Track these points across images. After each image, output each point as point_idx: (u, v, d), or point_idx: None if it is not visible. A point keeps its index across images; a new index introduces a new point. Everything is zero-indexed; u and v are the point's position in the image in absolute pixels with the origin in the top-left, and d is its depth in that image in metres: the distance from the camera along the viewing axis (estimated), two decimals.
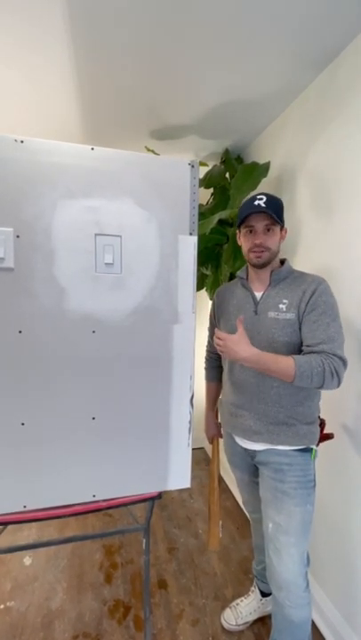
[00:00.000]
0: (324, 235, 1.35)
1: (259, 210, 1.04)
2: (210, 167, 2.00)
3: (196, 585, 1.54)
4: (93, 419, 1.01)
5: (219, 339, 1.02)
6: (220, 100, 1.52)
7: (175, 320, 1.04)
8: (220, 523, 1.24)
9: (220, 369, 1.34)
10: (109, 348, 1.00)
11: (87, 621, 1.37)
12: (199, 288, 2.05)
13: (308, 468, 1.07)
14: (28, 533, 1.82)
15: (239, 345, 0.97)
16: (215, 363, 1.36)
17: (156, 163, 0.99)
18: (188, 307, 1.05)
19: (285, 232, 1.13)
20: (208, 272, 1.90)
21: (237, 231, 1.17)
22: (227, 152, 1.92)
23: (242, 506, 1.49)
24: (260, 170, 1.53)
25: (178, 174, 1.01)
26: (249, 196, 1.10)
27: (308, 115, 1.44)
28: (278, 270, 1.10)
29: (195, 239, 1.03)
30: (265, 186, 1.64)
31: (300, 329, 1.03)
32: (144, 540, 1.13)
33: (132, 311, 1.01)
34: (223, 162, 2.00)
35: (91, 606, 1.43)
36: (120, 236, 0.98)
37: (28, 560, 1.66)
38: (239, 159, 1.98)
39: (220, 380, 1.37)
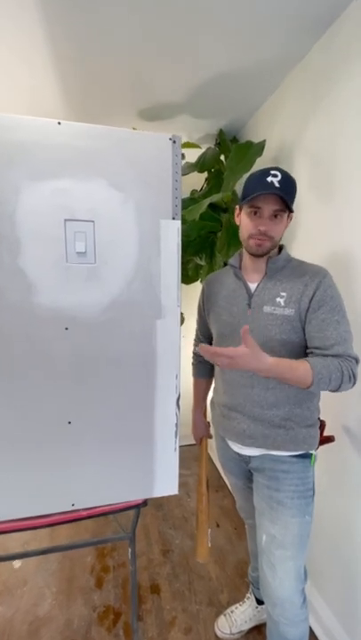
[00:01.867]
0: (325, 216, 1.23)
1: (271, 191, 0.87)
2: (204, 150, 1.87)
3: (190, 590, 1.48)
4: (69, 423, 0.93)
5: (223, 355, 0.80)
6: (213, 73, 1.39)
7: (158, 314, 0.95)
8: (209, 531, 1.16)
9: (209, 365, 1.24)
10: (85, 346, 0.91)
11: (75, 629, 1.31)
12: (193, 280, 1.95)
13: (306, 475, 0.98)
14: (18, 536, 1.77)
15: (257, 359, 0.80)
16: (203, 358, 1.25)
17: (132, 138, 0.89)
18: (173, 300, 0.95)
19: (291, 218, 0.98)
20: (202, 262, 1.79)
21: (237, 207, 1.01)
22: (221, 133, 1.79)
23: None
24: (256, 149, 1.41)
25: (158, 151, 0.90)
26: (260, 170, 0.92)
27: (305, 87, 1.31)
28: (275, 259, 0.97)
29: (178, 224, 0.93)
30: (260, 167, 1.52)
31: (302, 328, 0.91)
32: (130, 550, 1.06)
33: (109, 305, 0.91)
34: (218, 144, 1.88)
35: (80, 612, 1.38)
36: (93, 222, 0.88)
37: (17, 563, 1.61)
38: (235, 141, 1.85)
39: (209, 376, 1.28)
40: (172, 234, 0.93)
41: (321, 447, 1.05)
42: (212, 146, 1.91)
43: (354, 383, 0.85)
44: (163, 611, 1.38)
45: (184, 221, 1.55)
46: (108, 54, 1.29)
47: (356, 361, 0.86)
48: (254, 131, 1.72)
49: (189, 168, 1.81)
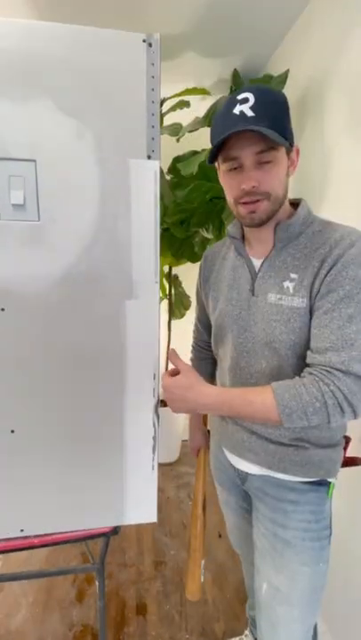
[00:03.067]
0: None
1: (242, 127, 0.58)
2: (216, 100, 1.56)
3: (180, 614, 1.29)
4: (12, 432, 0.72)
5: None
6: None
7: (128, 293, 0.70)
8: (203, 563, 0.94)
9: (211, 362, 0.98)
10: (29, 333, 0.69)
11: None
12: (200, 257, 1.68)
13: (322, 509, 0.73)
14: None
15: (189, 389, 0.65)
16: (205, 354, 0.99)
17: (88, 39, 0.62)
18: (149, 273, 0.71)
19: (298, 153, 0.68)
20: (209, 235, 1.51)
21: (216, 165, 0.71)
22: (236, 75, 1.47)
23: None
24: (275, 82, 1.10)
25: (126, 58, 0.63)
26: (225, 102, 0.63)
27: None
28: (286, 223, 0.67)
29: (156, 165, 0.67)
30: None
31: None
32: (97, 583, 0.86)
33: (61, 279, 0.68)
34: (233, 91, 1.55)
35: (54, 630, 1.22)
36: (34, 162, 0.63)
37: None
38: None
39: (211, 375, 1.02)
40: (147, 180, 0.66)
41: (341, 469, 0.79)
42: (226, 95, 1.58)
43: (354, 414, 0.58)
44: (147, 637, 1.20)
45: (182, 183, 1.27)
46: None
47: None
48: (278, 69, 1.38)
49: (198, 124, 1.50)
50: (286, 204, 0.70)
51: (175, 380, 0.68)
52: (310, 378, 0.59)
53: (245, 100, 0.59)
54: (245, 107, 0.59)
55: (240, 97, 0.60)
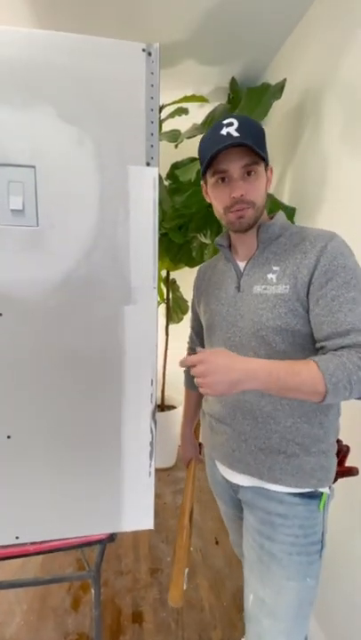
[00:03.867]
0: None
1: (230, 142, 0.65)
2: (214, 107, 1.57)
3: (177, 622, 1.27)
4: (8, 437, 0.72)
5: (193, 365, 0.60)
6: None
7: (127, 299, 0.71)
8: (186, 571, 0.93)
9: None
10: (26, 338, 0.68)
11: None
12: (198, 262, 1.69)
13: (312, 523, 0.72)
14: None
15: (232, 357, 0.60)
16: None
17: (90, 49, 0.63)
18: (147, 279, 0.71)
19: (272, 172, 0.76)
20: (207, 240, 1.52)
21: (202, 184, 0.79)
22: (234, 83, 1.49)
23: None
24: (272, 91, 1.11)
25: (126, 67, 0.64)
26: (211, 126, 0.72)
27: (340, 5, 0.99)
28: (267, 225, 0.74)
29: (155, 172, 0.67)
30: (282, 118, 1.22)
31: (304, 310, 0.67)
32: (93, 591, 0.85)
33: (60, 285, 0.68)
34: (231, 99, 1.57)
35: (49, 638, 1.20)
36: (34, 167, 0.63)
37: None
38: None
39: None
40: (146, 186, 0.67)
41: (339, 479, 0.79)
42: (224, 102, 1.60)
43: None
44: None
45: (180, 189, 1.28)
46: None
47: None
48: (275, 77, 1.40)
49: (196, 130, 1.52)
50: (265, 215, 0.77)
51: (212, 352, 0.61)
52: (346, 351, 0.59)
53: (231, 124, 0.67)
54: (231, 129, 0.67)
55: (226, 121, 0.68)
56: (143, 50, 0.64)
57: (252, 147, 0.66)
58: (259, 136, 0.69)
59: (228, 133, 0.67)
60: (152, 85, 0.65)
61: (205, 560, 1.55)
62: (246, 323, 0.73)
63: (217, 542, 1.63)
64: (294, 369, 0.59)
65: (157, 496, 1.45)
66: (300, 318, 0.67)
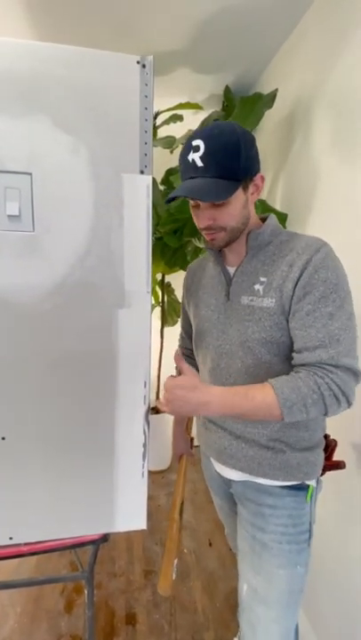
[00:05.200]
0: (351, 182, 0.96)
1: (192, 175, 0.66)
2: (209, 114, 1.60)
3: (170, 623, 1.28)
4: (3, 439, 0.73)
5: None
6: (216, 9, 1.12)
7: (120, 302, 0.72)
8: (176, 562, 0.94)
9: (196, 368, 1.00)
10: (21, 341, 0.70)
11: None
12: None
13: (300, 513, 0.75)
14: None
15: (193, 389, 0.65)
16: (190, 360, 1.00)
17: (86, 60, 0.65)
18: (141, 283, 0.73)
19: (262, 180, 0.72)
20: (201, 244, 1.54)
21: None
22: (227, 91, 1.52)
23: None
24: (265, 101, 1.14)
25: (121, 79, 0.66)
26: (185, 142, 0.69)
27: (329, 22, 1.03)
28: (256, 232, 0.73)
29: (148, 180, 0.69)
30: (272, 127, 1.25)
31: (286, 322, 0.68)
32: (86, 592, 0.86)
33: (55, 289, 0.69)
34: (225, 107, 1.60)
35: None
36: (30, 174, 0.65)
37: None
38: None
39: None
40: (139, 194, 0.69)
41: (327, 473, 0.81)
42: (218, 110, 1.64)
43: (349, 403, 0.62)
44: None
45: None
46: None
47: (353, 373, 0.62)
48: (268, 87, 1.43)
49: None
50: (256, 219, 0.76)
51: (178, 380, 0.68)
52: (305, 372, 0.62)
53: (197, 149, 0.64)
54: (196, 155, 0.64)
55: (194, 143, 0.65)
56: (138, 62, 0.66)
57: (216, 180, 0.64)
58: (226, 161, 0.64)
59: (193, 161, 0.65)
60: (146, 96, 0.67)
61: (199, 562, 1.55)
62: (234, 332, 0.74)
63: (210, 544, 1.64)
64: (248, 395, 0.63)
65: (151, 498, 1.44)
66: (284, 331, 0.68)
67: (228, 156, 0.65)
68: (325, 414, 0.62)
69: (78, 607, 1.33)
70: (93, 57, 0.65)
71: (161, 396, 0.74)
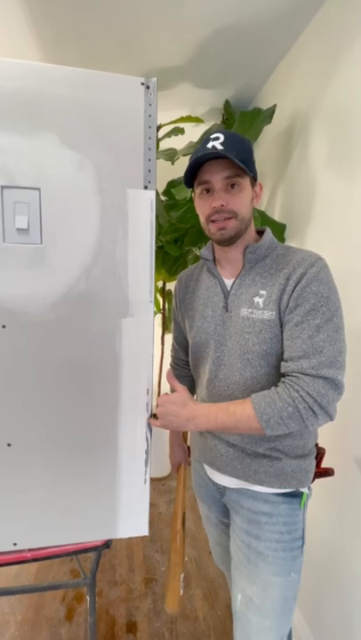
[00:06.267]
0: (348, 197, 0.99)
1: (214, 155, 0.68)
2: (209, 127, 1.65)
3: (171, 631, 1.28)
4: (9, 445, 0.75)
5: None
6: (216, 28, 1.16)
7: (125, 312, 0.74)
8: (182, 576, 0.95)
9: (189, 379, 1.01)
10: (27, 350, 0.72)
11: None
12: None
13: (294, 520, 0.77)
14: None
15: (183, 406, 0.72)
16: (183, 371, 1.03)
17: (92, 81, 0.68)
18: (144, 293, 0.75)
19: (261, 188, 0.77)
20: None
21: (192, 194, 0.81)
22: (228, 105, 1.56)
23: None
24: (263, 116, 1.18)
25: (126, 99, 0.69)
26: (202, 140, 0.75)
27: (324, 41, 1.08)
28: (254, 246, 0.75)
29: (152, 195, 0.72)
30: (273, 139, 1.29)
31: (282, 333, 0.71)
32: (88, 598, 0.87)
33: (61, 299, 0.71)
34: (225, 120, 1.65)
35: None
36: (38, 190, 0.68)
37: None
38: None
39: (189, 391, 1.06)
40: (143, 208, 0.72)
41: (316, 480, 0.83)
42: (218, 122, 1.68)
43: (327, 416, 0.64)
44: None
45: (177, 205, 1.33)
46: (89, 11, 1.08)
47: (333, 385, 0.63)
48: (266, 101, 1.48)
49: (191, 148, 1.58)
50: (253, 230, 0.79)
51: (171, 396, 0.74)
52: (282, 386, 0.65)
53: (217, 138, 0.70)
54: (217, 142, 0.69)
55: (213, 136, 0.71)
56: (142, 83, 0.69)
57: (233, 159, 0.67)
58: (243, 150, 0.70)
59: (213, 146, 0.69)
60: (150, 115, 0.70)
61: (200, 570, 1.55)
62: (233, 344, 0.75)
63: (210, 553, 1.63)
64: (229, 410, 0.68)
65: (152, 505, 1.45)
66: (282, 342, 0.71)
67: (244, 149, 0.71)
68: (306, 427, 0.64)
69: (79, 615, 1.33)
70: (100, 78, 0.68)
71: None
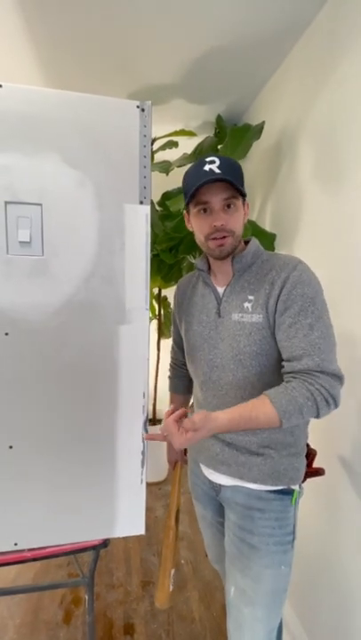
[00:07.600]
0: (333, 210, 1.05)
1: (213, 178, 0.73)
2: (202, 139, 1.71)
3: (168, 633, 1.30)
4: (10, 447, 0.78)
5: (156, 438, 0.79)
6: (208, 48, 1.23)
7: (122, 319, 0.79)
8: (173, 572, 0.98)
9: (187, 379, 1.06)
10: (29, 356, 0.76)
11: None
12: None
13: (286, 516, 0.81)
14: None
15: (207, 423, 0.68)
16: (181, 372, 1.08)
17: (91, 105, 0.73)
18: (140, 301, 0.79)
19: (248, 207, 0.83)
20: (195, 260, 1.62)
21: (185, 213, 0.85)
22: (219, 119, 1.63)
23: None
24: (253, 132, 1.24)
25: (123, 120, 0.74)
26: (194, 163, 0.79)
27: (312, 60, 1.14)
28: (241, 255, 0.80)
29: (147, 210, 0.77)
30: (261, 154, 1.35)
31: (272, 335, 0.75)
32: (86, 598, 0.89)
33: (61, 307, 0.75)
34: (217, 133, 1.71)
35: None
36: (40, 205, 0.72)
37: None
38: None
39: (188, 392, 1.11)
40: (139, 221, 0.76)
41: (307, 480, 0.87)
42: (211, 135, 1.74)
43: (336, 405, 0.69)
44: None
45: (171, 215, 1.38)
46: (88, 31, 1.14)
47: (338, 378, 0.70)
48: (256, 117, 1.54)
49: (185, 159, 1.64)
50: (241, 243, 0.84)
51: (192, 418, 0.70)
52: (296, 382, 0.69)
53: (213, 162, 0.74)
54: (213, 166, 0.74)
55: (208, 159, 0.75)
56: (138, 106, 0.74)
57: (232, 182, 0.73)
58: (238, 174, 0.77)
59: (210, 169, 0.73)
60: (145, 135, 0.75)
61: (196, 572, 1.58)
62: (226, 347, 0.80)
63: (206, 555, 1.66)
64: (252, 415, 0.69)
65: (148, 509, 1.46)
66: (272, 343, 0.76)
67: (238, 172, 0.77)
68: (317, 417, 0.69)
69: (77, 618, 1.34)
70: (99, 102, 0.73)
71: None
